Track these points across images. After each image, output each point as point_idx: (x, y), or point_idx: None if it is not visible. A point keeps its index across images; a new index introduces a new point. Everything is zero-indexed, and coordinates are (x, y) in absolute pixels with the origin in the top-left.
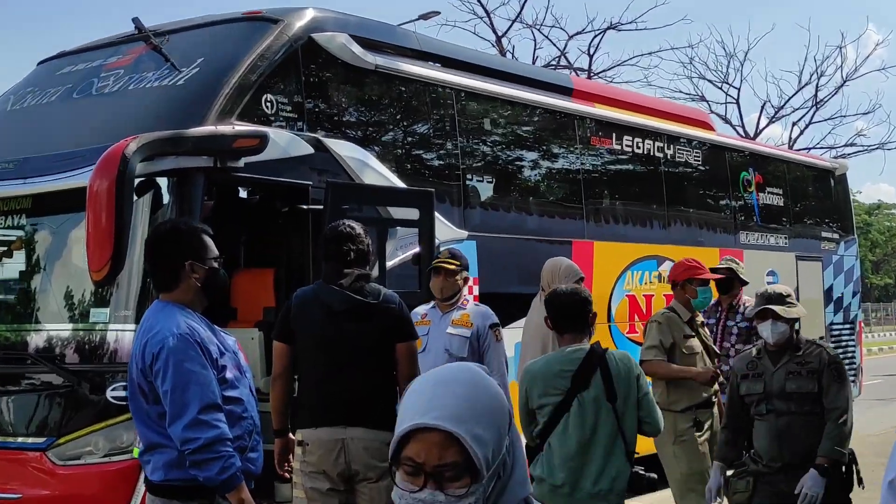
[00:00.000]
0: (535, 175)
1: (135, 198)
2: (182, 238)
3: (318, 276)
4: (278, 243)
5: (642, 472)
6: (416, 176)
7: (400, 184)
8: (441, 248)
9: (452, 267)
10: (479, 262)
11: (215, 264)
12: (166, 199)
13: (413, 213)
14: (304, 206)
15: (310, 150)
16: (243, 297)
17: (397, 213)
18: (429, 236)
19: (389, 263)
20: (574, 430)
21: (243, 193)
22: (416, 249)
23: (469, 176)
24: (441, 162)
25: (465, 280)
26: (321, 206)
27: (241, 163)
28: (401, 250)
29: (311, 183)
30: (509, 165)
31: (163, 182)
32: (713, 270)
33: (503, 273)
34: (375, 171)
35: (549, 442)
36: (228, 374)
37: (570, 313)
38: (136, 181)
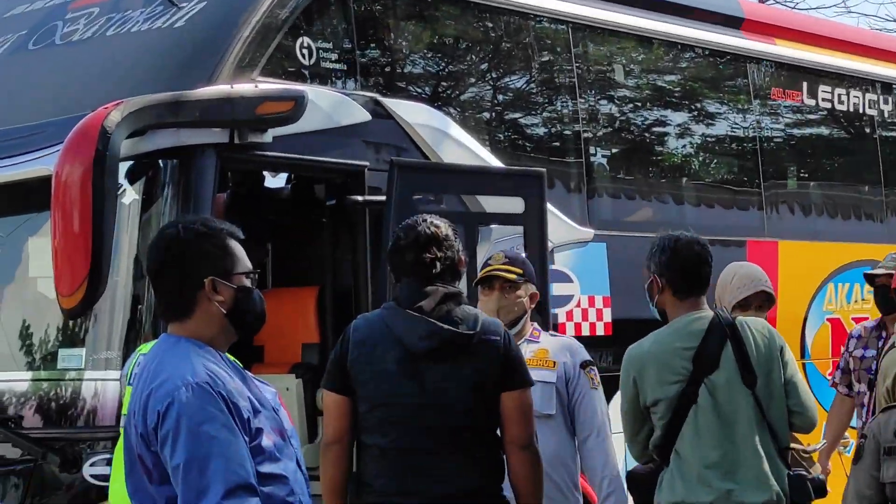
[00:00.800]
0: (690, 146)
1: (120, 189)
2: (200, 244)
3: (379, 297)
4: (321, 251)
5: (805, 474)
6: (516, 151)
7: (495, 162)
8: (496, 251)
9: (511, 276)
10: (610, 274)
11: (247, 282)
12: (164, 190)
13: (515, 205)
14: (359, 198)
15: (365, 116)
16: (273, 330)
17: (492, 204)
18: (539, 237)
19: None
20: (708, 427)
21: (271, 181)
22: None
23: (594, 149)
24: (554, 129)
25: (533, 298)
26: (382, 198)
27: (268, 137)
28: None
29: (367, 164)
30: (652, 133)
31: (158, 167)
32: (868, 277)
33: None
34: (459, 145)
35: (675, 450)
36: (266, 442)
37: (695, 270)
38: (122, 166)
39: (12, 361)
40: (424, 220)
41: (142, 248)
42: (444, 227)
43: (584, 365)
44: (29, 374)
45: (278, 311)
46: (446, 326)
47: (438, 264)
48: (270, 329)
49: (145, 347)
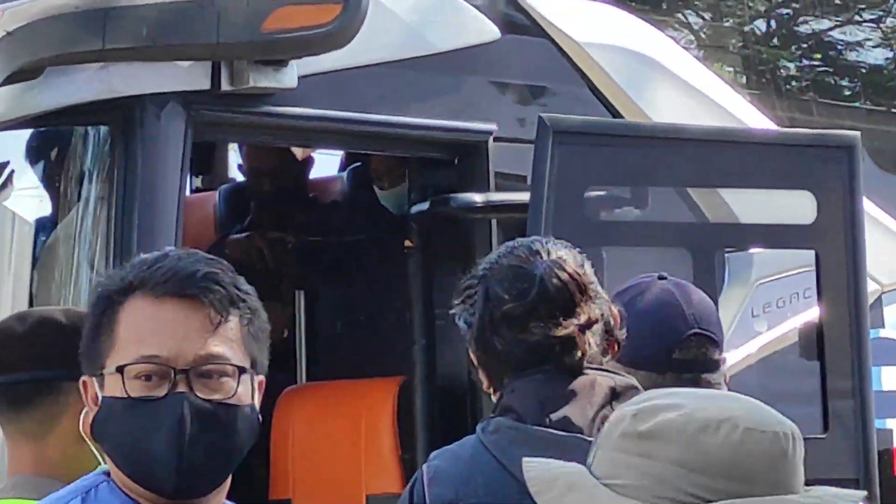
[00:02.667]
0: None
1: None
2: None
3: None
4: (405, 305)
5: None
6: (799, 95)
7: (756, 120)
8: None
9: None
10: None
11: (124, 388)
12: (83, 187)
13: (798, 207)
14: (477, 198)
15: (490, 32)
16: (309, 468)
17: (749, 207)
18: (852, 271)
19: (738, 354)
20: None
21: (307, 168)
22: (812, 312)
23: None
24: (875, 51)
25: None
26: (524, 196)
27: (288, 77)
28: (762, 315)
29: (492, 128)
30: None
31: (69, 141)
32: None
33: None
34: (683, 88)
35: None
36: None
37: None
38: None
39: None
40: (535, 252)
41: (42, 300)
42: (571, 260)
43: None
44: None
45: (318, 428)
46: None
47: (590, 338)
48: (305, 466)
49: None
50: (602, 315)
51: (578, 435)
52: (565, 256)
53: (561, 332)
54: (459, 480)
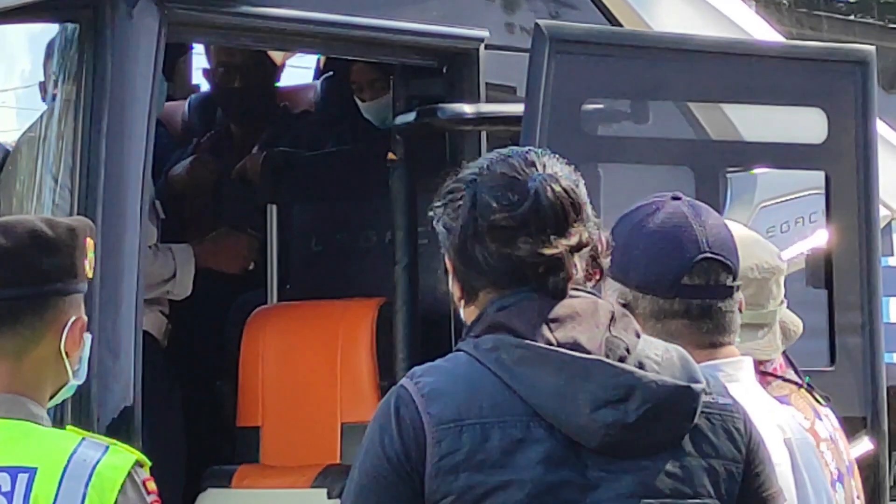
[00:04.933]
0: None
1: None
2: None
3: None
4: (385, 225)
5: None
6: (816, 8)
7: (767, 34)
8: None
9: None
10: None
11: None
12: (46, 92)
13: (808, 126)
14: (468, 109)
15: None
16: (277, 395)
17: (754, 124)
18: (863, 194)
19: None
20: None
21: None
22: (819, 238)
23: None
24: None
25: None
26: (517, 109)
27: None
28: (784, 237)
29: (484, 34)
30: None
31: (36, 40)
32: None
33: None
34: None
35: None
36: None
37: None
38: None
39: None
40: (530, 163)
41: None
42: (567, 176)
43: None
44: None
45: (291, 351)
46: (652, 377)
47: (577, 261)
48: (276, 391)
49: None
50: (591, 239)
51: (602, 358)
52: (561, 172)
53: (549, 250)
54: (460, 399)
